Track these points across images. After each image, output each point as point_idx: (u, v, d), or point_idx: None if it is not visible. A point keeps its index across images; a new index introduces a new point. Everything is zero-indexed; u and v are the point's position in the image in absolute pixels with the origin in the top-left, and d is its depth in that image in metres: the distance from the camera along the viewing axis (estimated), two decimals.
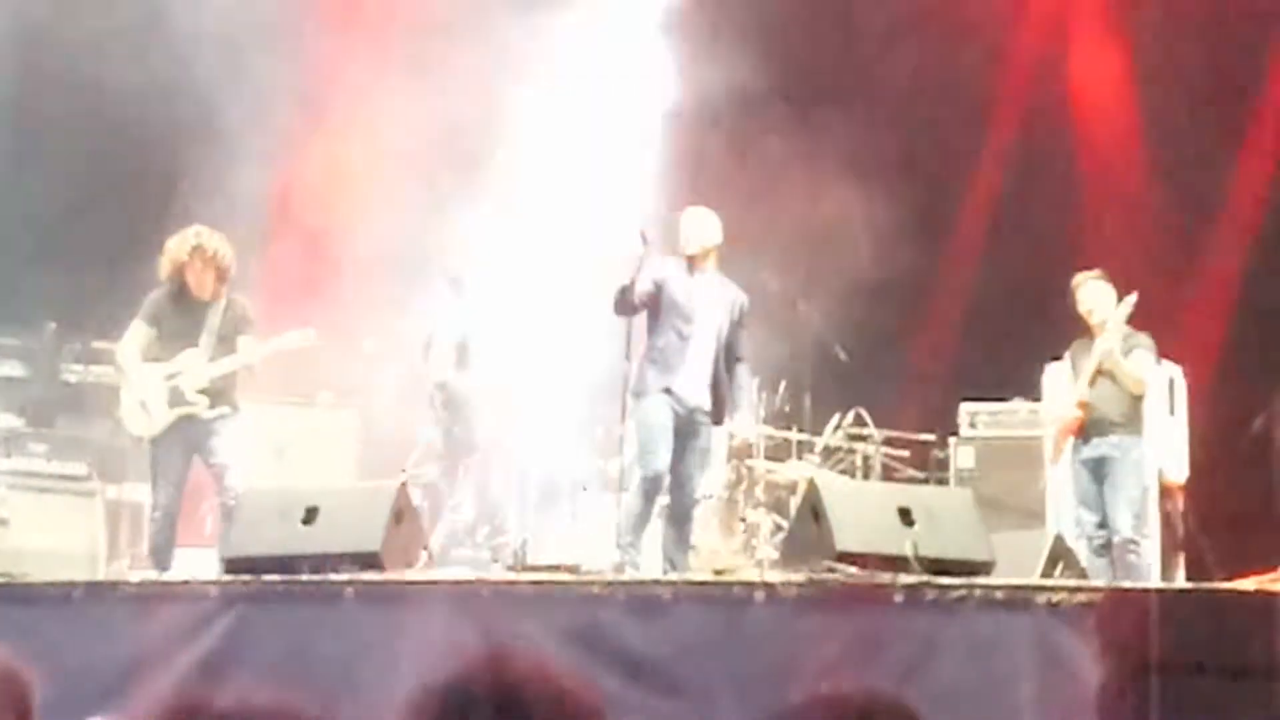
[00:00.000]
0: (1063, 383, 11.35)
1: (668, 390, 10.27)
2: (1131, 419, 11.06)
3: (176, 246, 10.65)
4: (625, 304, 10.27)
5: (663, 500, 10.70)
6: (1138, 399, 11.09)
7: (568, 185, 13.09)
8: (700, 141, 13.18)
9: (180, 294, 10.70)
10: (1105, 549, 10.92)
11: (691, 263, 10.41)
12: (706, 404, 10.35)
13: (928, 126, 14.06)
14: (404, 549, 9.57)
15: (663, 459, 10.23)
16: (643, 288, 10.22)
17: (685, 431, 10.34)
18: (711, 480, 11.27)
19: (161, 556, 10.56)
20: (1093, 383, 11.04)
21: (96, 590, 9.37)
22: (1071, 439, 11.16)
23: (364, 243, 13.17)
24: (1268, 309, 13.31)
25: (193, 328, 10.68)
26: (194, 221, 10.82)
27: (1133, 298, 10.87)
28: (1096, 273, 11.20)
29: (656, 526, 11.32)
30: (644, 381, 10.30)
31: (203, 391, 10.59)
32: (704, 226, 10.45)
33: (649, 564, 10.63)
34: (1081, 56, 14.41)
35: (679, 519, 10.42)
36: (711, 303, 10.39)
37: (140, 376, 10.66)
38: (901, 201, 13.88)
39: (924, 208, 14.03)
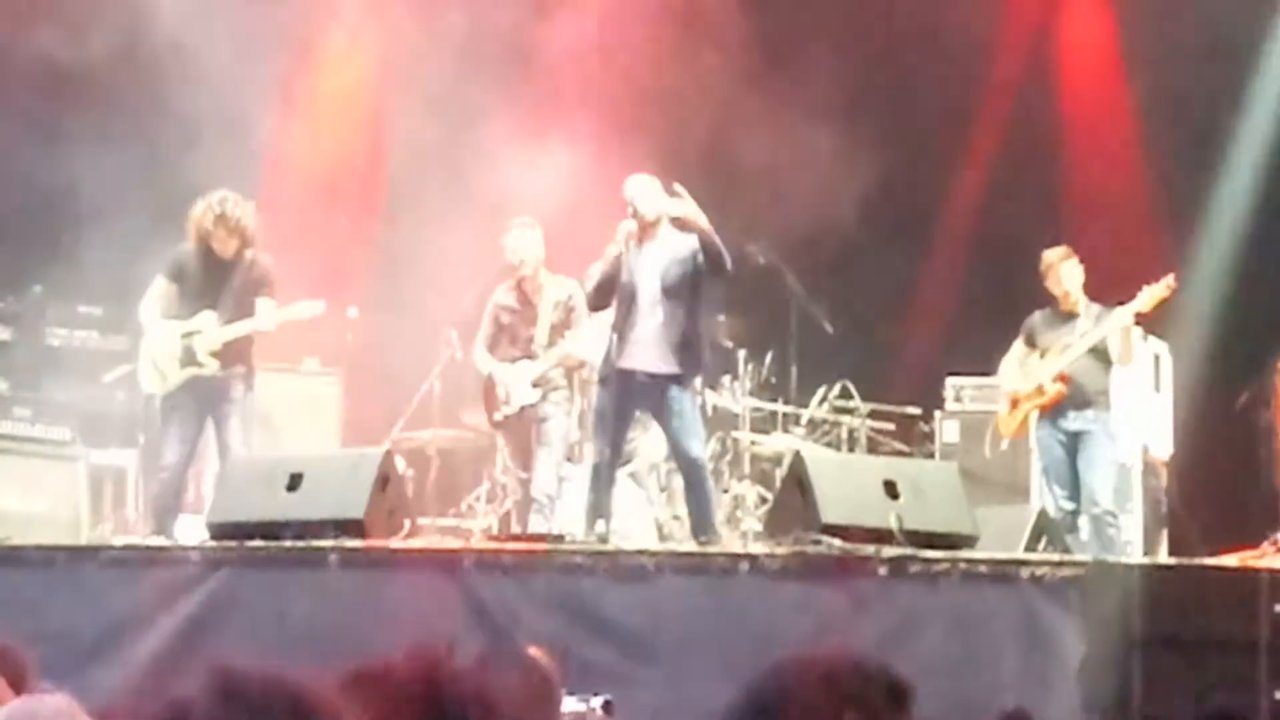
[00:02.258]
0: (1016, 356, 11.32)
1: (619, 370, 10.07)
2: (1105, 394, 11.09)
3: (201, 213, 10.65)
4: (590, 299, 10.29)
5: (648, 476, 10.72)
6: (1108, 376, 11.11)
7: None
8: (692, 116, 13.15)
9: (205, 253, 10.69)
10: (1074, 523, 10.94)
11: (641, 233, 10.16)
12: (667, 368, 10.14)
13: (919, 104, 14.04)
14: (388, 515, 9.57)
15: (602, 449, 10.14)
16: (591, 281, 10.17)
17: (653, 403, 10.26)
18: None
19: (164, 518, 10.54)
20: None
21: (80, 554, 9.38)
22: (1036, 413, 11.16)
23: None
24: (1256, 284, 13.31)
25: (215, 286, 10.67)
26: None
27: (1170, 280, 10.86)
28: (1064, 250, 11.20)
29: (642, 497, 11.35)
30: (603, 366, 10.25)
31: (215, 354, 10.57)
32: (646, 195, 10.17)
33: (636, 535, 10.64)
34: (1072, 29, 14.39)
35: (690, 488, 10.32)
36: (656, 268, 10.14)
37: (157, 333, 10.65)
38: (891, 177, 13.86)
39: (913, 183, 14.02)
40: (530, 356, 10.95)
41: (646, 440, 11.49)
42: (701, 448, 10.33)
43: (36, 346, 12.71)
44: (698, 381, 10.61)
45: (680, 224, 10.12)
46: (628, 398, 10.15)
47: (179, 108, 12.34)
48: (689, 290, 10.13)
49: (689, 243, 10.11)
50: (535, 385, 10.92)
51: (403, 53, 13.21)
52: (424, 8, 13.05)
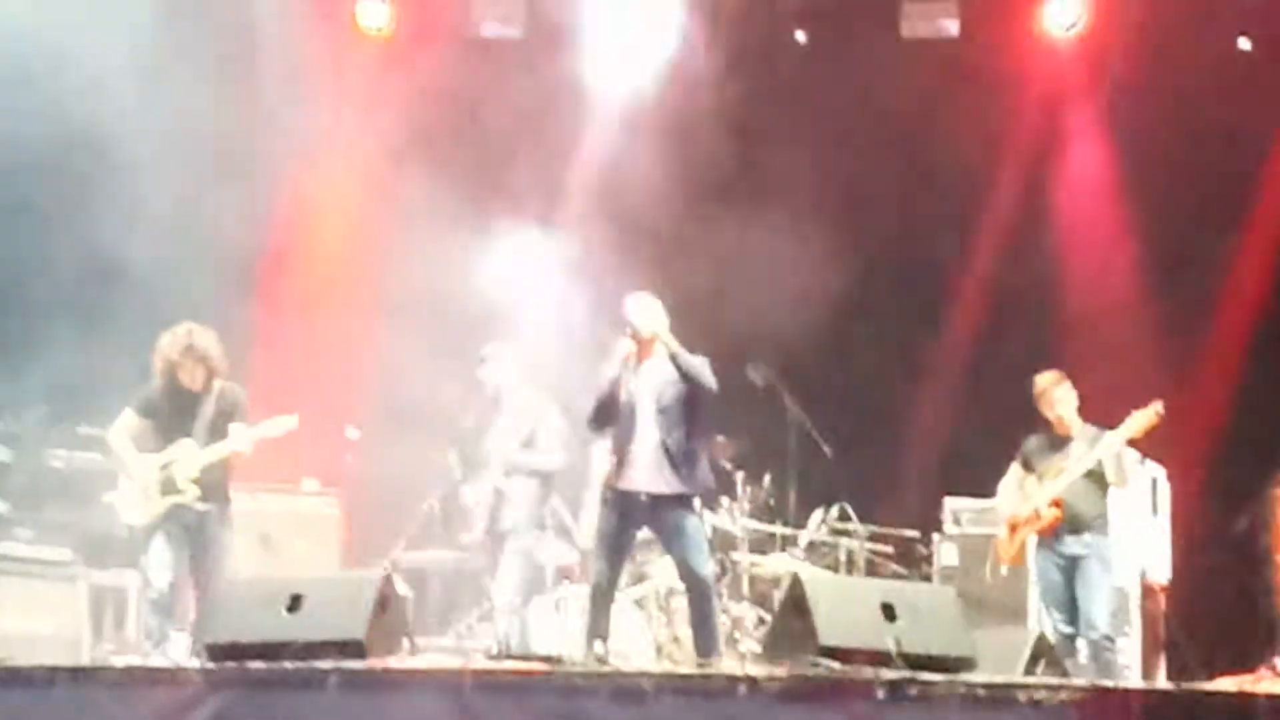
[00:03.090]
0: (1013, 480, 11.37)
1: (620, 491, 10.21)
2: (1102, 519, 11.12)
3: (168, 345, 10.77)
4: (592, 421, 10.36)
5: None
6: (1105, 499, 11.14)
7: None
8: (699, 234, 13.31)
9: (173, 387, 10.81)
10: (1072, 647, 10.94)
11: (639, 352, 10.29)
12: (668, 488, 10.25)
13: (915, 227, 14.17)
14: (388, 637, 9.57)
15: (601, 570, 10.22)
16: (593, 403, 10.28)
17: (656, 524, 10.33)
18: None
19: (157, 643, 10.60)
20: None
21: (80, 675, 9.33)
22: (1034, 537, 11.19)
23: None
24: (1253, 410, 13.38)
25: (187, 418, 10.80)
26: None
27: (1158, 406, 10.92)
28: (1056, 375, 11.26)
29: (641, 618, 11.35)
30: (603, 487, 10.35)
31: (195, 481, 10.66)
32: (644, 314, 10.32)
33: (634, 656, 10.62)
34: (1071, 158, 14.54)
35: (695, 607, 10.35)
36: (652, 387, 10.26)
37: (134, 465, 10.74)
38: (891, 300, 13.99)
39: (914, 306, 14.12)
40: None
41: (660, 564, 11.52)
42: (708, 566, 10.38)
43: (38, 467, 12.77)
44: (698, 501, 10.67)
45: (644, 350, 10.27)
46: (630, 519, 10.23)
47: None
48: (686, 409, 10.22)
49: (681, 358, 10.26)
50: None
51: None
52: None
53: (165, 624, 10.64)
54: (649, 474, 10.19)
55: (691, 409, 10.24)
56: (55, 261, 13.10)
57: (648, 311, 10.30)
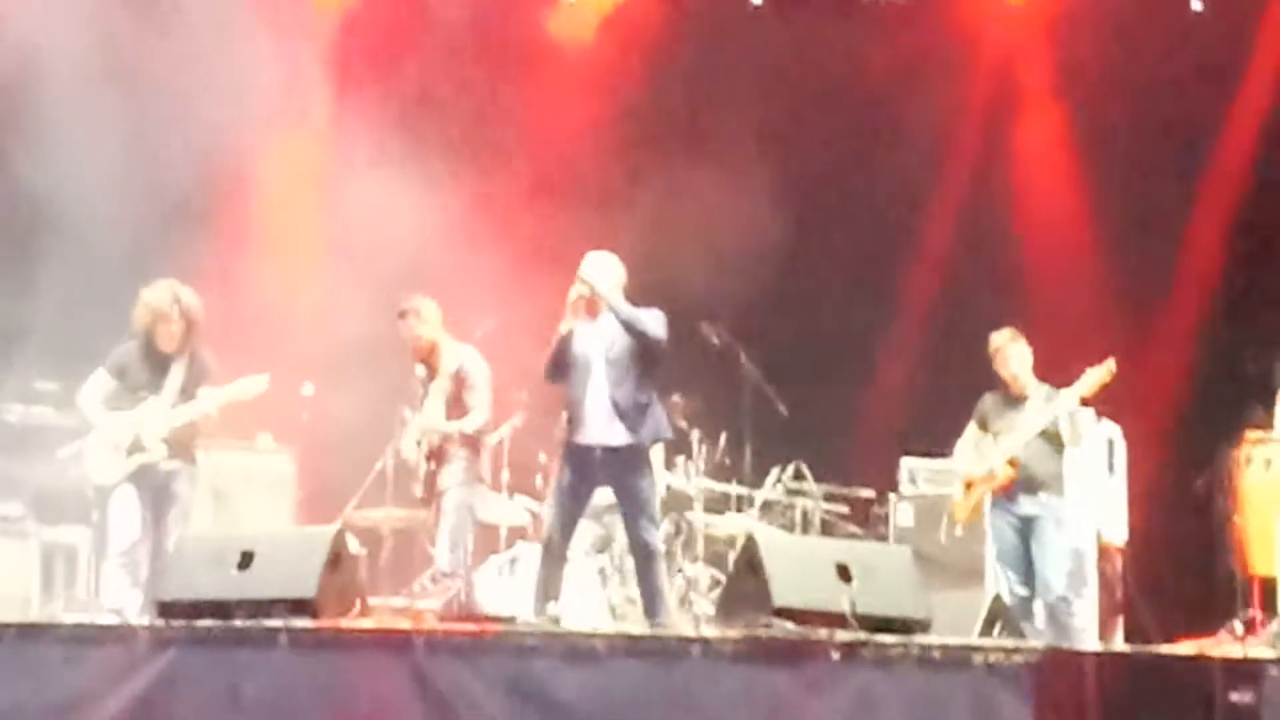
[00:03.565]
0: (970, 440, 11.36)
1: (575, 445, 10.21)
2: (1058, 478, 11.11)
3: (154, 298, 10.69)
4: (548, 373, 10.34)
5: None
6: (1061, 459, 11.13)
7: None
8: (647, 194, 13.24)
9: (148, 347, 10.76)
10: (1029, 609, 10.93)
11: (590, 307, 10.26)
12: (620, 439, 10.21)
13: (872, 188, 14.13)
14: (339, 595, 9.49)
15: (553, 525, 10.25)
16: (549, 359, 10.24)
17: (611, 479, 10.29)
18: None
19: (120, 602, 10.51)
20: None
21: (29, 632, 9.28)
22: (990, 497, 11.18)
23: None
24: (1211, 370, 13.38)
25: (158, 380, 10.75)
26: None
27: (1110, 364, 10.91)
28: (1010, 333, 11.25)
29: (591, 576, 11.31)
30: (560, 442, 10.31)
31: (163, 441, 10.61)
32: (594, 269, 10.29)
33: (587, 617, 10.59)
34: (1026, 121, 14.53)
35: (639, 572, 10.33)
36: (603, 341, 10.25)
37: (103, 425, 10.67)
38: (847, 259, 13.96)
39: (870, 266, 14.10)
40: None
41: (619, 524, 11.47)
42: (654, 532, 10.33)
43: None
44: (657, 455, 10.65)
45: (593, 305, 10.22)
46: (584, 474, 10.21)
47: (141, 183, 12.41)
48: (635, 361, 10.21)
49: (639, 313, 10.22)
50: (429, 458, 10.98)
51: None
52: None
53: (128, 584, 10.55)
54: (600, 427, 10.19)
55: (641, 361, 10.21)
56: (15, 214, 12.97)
57: (598, 268, 10.27)
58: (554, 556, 10.21)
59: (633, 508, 10.20)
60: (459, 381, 11.02)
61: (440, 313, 11.11)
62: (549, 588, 10.08)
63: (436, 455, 11.01)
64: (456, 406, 11.03)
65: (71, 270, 12.11)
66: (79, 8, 12.51)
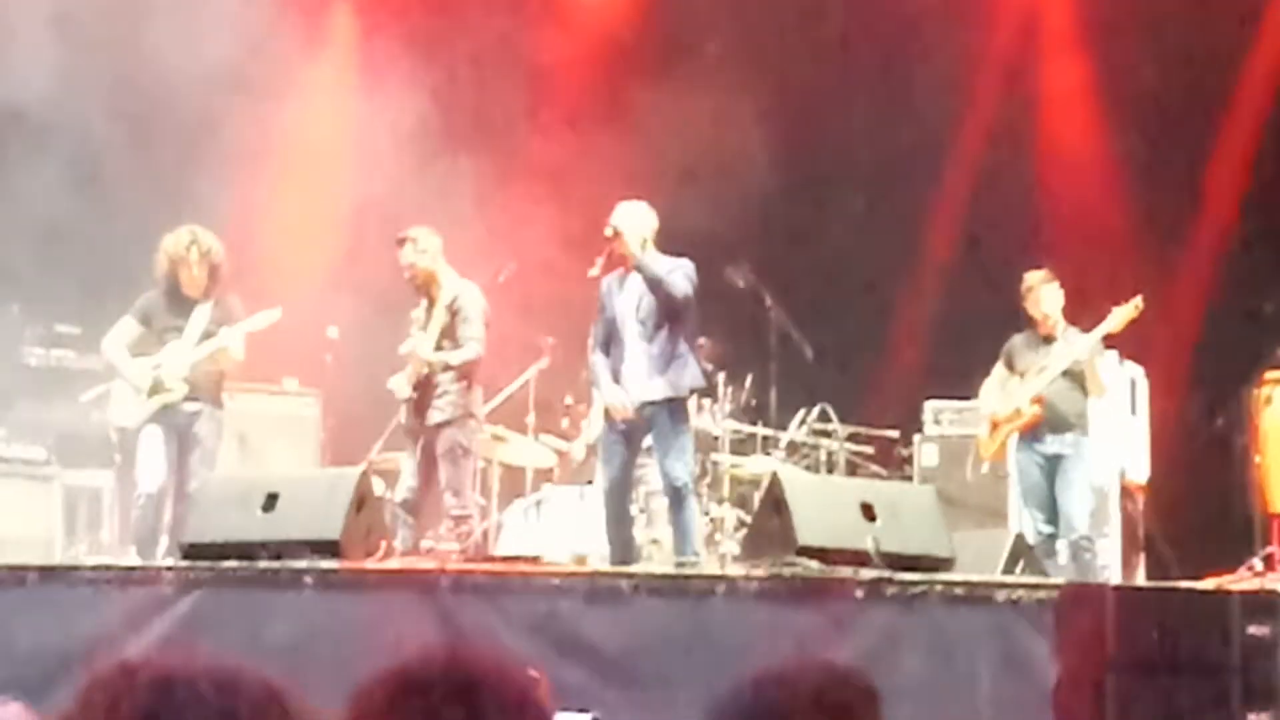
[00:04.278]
0: (996, 379, 11.34)
1: (615, 400, 10.24)
2: (1083, 417, 11.10)
3: (173, 244, 10.69)
4: (598, 346, 10.36)
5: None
6: (1086, 399, 11.11)
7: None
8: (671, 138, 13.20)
9: (173, 293, 10.75)
10: (1052, 547, 10.93)
11: (621, 261, 10.25)
12: (658, 394, 10.23)
13: (897, 129, 14.08)
14: (364, 537, 9.51)
15: (608, 474, 10.29)
16: (596, 327, 10.28)
17: (651, 427, 10.30)
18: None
19: (145, 545, 10.54)
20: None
21: (52, 574, 9.32)
22: (1015, 436, 11.16)
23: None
24: (1232, 310, 13.34)
25: (181, 325, 10.73)
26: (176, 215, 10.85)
27: (1138, 301, 10.89)
28: (1046, 273, 11.23)
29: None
30: (610, 388, 10.32)
31: (184, 380, 10.60)
32: (622, 218, 10.26)
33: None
34: (1050, 64, 14.46)
35: (672, 510, 10.37)
36: (634, 294, 10.25)
37: (128, 371, 10.66)
38: (871, 201, 13.93)
39: (893, 209, 14.07)
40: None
41: (653, 467, 11.46)
42: (685, 471, 10.33)
43: (13, 365, 12.67)
44: (690, 402, 10.65)
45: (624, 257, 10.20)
46: (630, 429, 10.24)
47: (159, 137, 12.40)
48: (665, 313, 10.18)
49: (667, 264, 10.19)
50: (416, 389, 10.84)
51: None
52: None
53: (156, 527, 10.56)
54: (639, 384, 10.21)
55: (671, 315, 10.20)
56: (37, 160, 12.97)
57: (629, 218, 10.23)
58: (615, 505, 10.31)
59: (667, 452, 10.25)
60: (453, 313, 10.82)
61: (439, 242, 10.86)
62: (620, 531, 10.20)
63: (424, 386, 10.80)
64: (450, 339, 10.81)
65: (93, 213, 12.09)
66: None
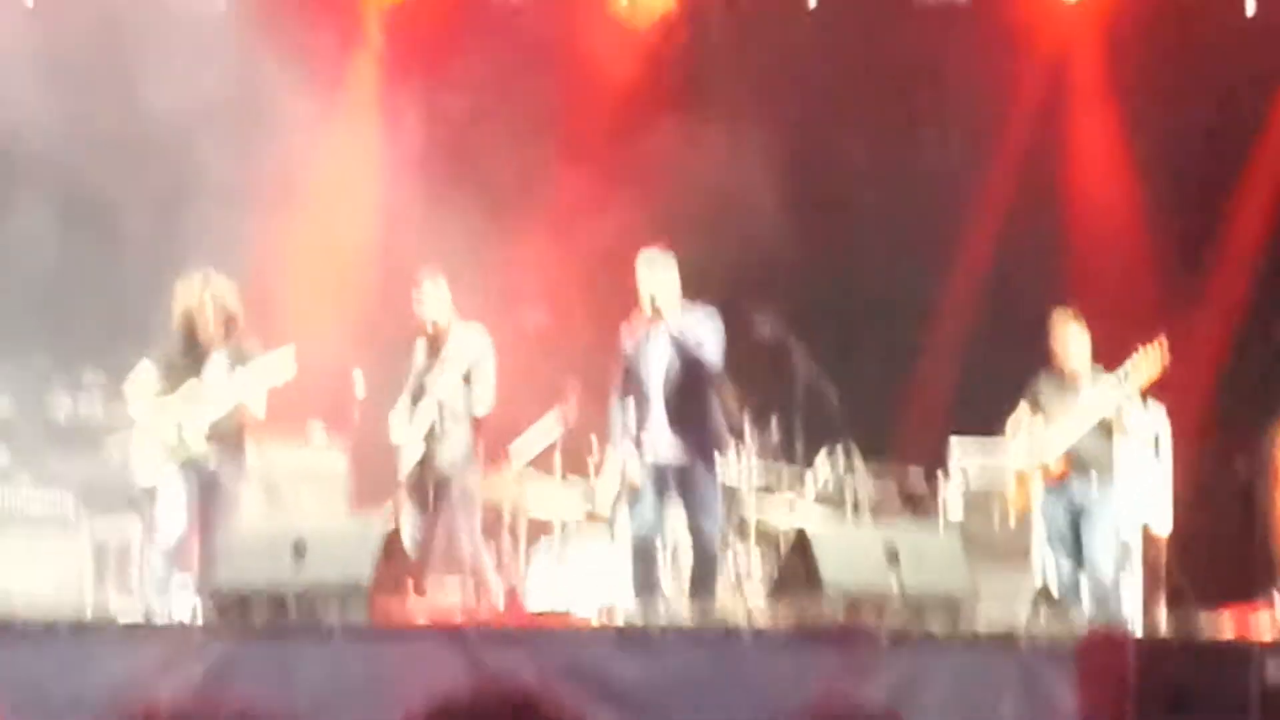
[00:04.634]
0: (1021, 419, 11.34)
1: (639, 458, 10.32)
2: (1109, 463, 11.09)
3: (186, 291, 10.69)
4: (619, 394, 10.44)
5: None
6: (1112, 443, 11.11)
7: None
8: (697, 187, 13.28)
9: (188, 340, 10.73)
10: (1076, 590, 10.93)
11: (652, 313, 10.32)
12: (688, 458, 10.29)
13: (922, 167, 14.12)
14: (393, 584, 9.56)
15: (643, 522, 10.32)
16: (618, 378, 10.35)
17: (673, 485, 10.35)
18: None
19: (167, 593, 10.56)
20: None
21: (82, 626, 9.36)
22: (1041, 479, 11.17)
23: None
24: (1254, 353, 13.37)
25: (199, 372, 10.70)
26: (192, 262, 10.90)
27: (1160, 341, 10.89)
28: (1071, 312, 11.24)
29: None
30: (628, 450, 10.36)
31: (207, 434, 10.60)
32: (650, 274, 10.35)
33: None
34: (1077, 108, 14.51)
35: (697, 561, 10.41)
36: (662, 351, 10.32)
37: (146, 420, 10.68)
38: (895, 239, 13.95)
39: (917, 246, 14.09)
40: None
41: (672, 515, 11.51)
42: (715, 528, 10.42)
43: (40, 416, 12.73)
44: (717, 459, 10.69)
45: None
46: (659, 488, 10.32)
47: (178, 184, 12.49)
48: (694, 376, 10.24)
49: (697, 318, 10.24)
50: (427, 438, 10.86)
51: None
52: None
53: (172, 573, 10.60)
54: (667, 446, 10.28)
55: (702, 375, 10.26)
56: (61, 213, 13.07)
57: (654, 271, 10.27)
58: (645, 557, 10.36)
59: (697, 509, 10.36)
60: (468, 360, 10.89)
61: (448, 291, 10.98)
62: (648, 581, 10.23)
63: (431, 436, 10.87)
64: (463, 385, 10.89)
65: (117, 260, 12.17)
66: None
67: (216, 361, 10.70)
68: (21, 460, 12.44)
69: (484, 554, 10.95)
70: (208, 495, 10.64)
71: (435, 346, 10.97)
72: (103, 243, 12.83)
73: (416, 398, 10.95)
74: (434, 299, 10.93)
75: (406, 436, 10.88)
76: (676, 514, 10.71)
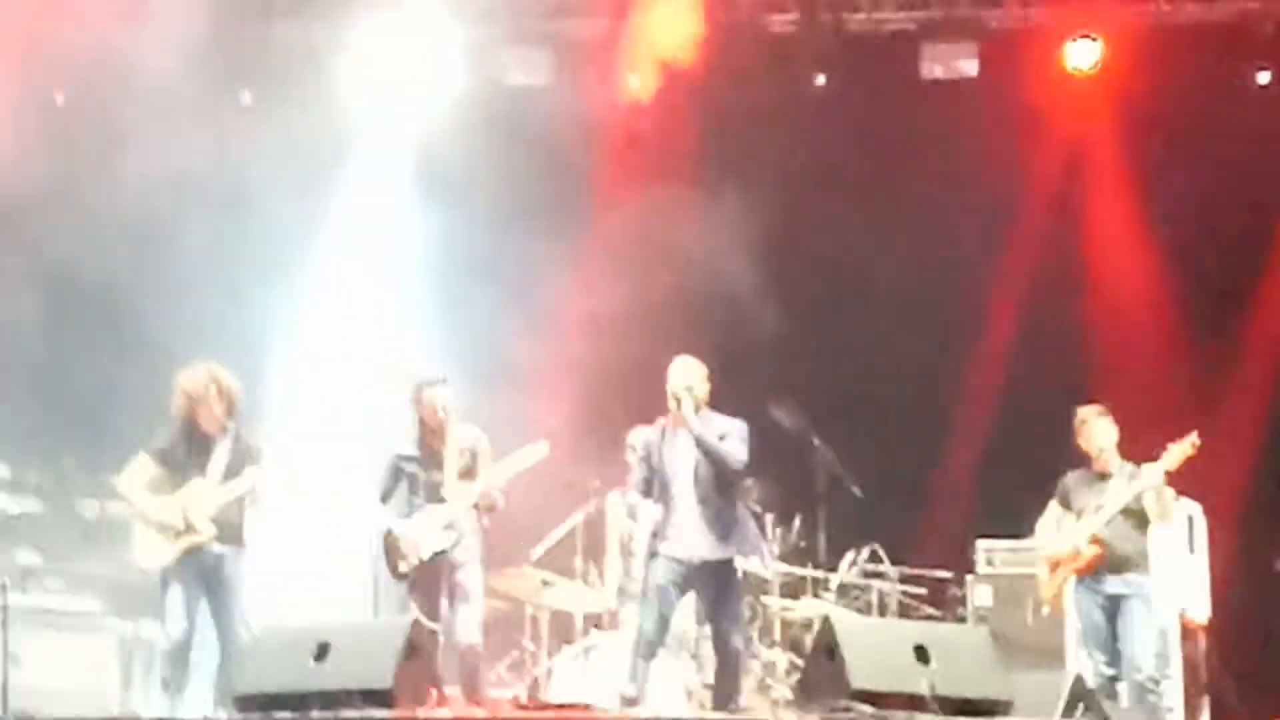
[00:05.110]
0: (1052, 519, 11.27)
1: (666, 556, 10.22)
2: (1143, 556, 11.00)
3: (191, 382, 10.67)
4: (639, 488, 10.44)
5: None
6: (1146, 536, 11.03)
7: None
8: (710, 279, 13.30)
9: (190, 429, 10.68)
10: (1114, 689, 10.81)
11: (674, 415, 10.29)
12: (717, 554, 10.24)
13: (942, 266, 14.12)
14: (415, 685, 9.52)
15: (650, 628, 10.22)
16: (636, 474, 10.31)
17: (699, 585, 10.29)
18: None
19: (174, 690, 10.46)
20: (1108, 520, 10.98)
21: None
22: (1074, 577, 11.07)
23: None
24: None
25: (202, 462, 10.64)
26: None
27: (1194, 438, 10.83)
28: (1098, 408, 11.18)
29: (666, 661, 11.28)
30: (651, 542, 10.32)
31: (212, 520, 10.53)
32: (679, 377, 10.34)
33: (665, 701, 10.55)
34: (1096, 193, 14.50)
35: (721, 667, 10.33)
36: (690, 452, 10.28)
37: (148, 509, 10.63)
38: (916, 338, 13.94)
39: (940, 346, 14.08)
40: (438, 502, 10.87)
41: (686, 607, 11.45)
42: (741, 639, 10.37)
43: (68, 518, 12.75)
44: (740, 564, 10.64)
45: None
46: (678, 582, 10.25)
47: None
48: (724, 477, 10.21)
49: (720, 425, 10.22)
50: (448, 529, 10.85)
51: None
52: None
53: (182, 672, 10.52)
54: (692, 542, 10.22)
55: (728, 476, 10.24)
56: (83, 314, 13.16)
57: (683, 375, 10.29)
58: (648, 650, 10.24)
59: (722, 616, 10.29)
60: (473, 455, 10.86)
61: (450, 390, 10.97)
62: (638, 676, 10.11)
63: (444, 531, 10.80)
64: (469, 480, 10.85)
65: (143, 365, 12.22)
66: None
67: (221, 452, 10.65)
68: (51, 561, 12.45)
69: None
70: (215, 588, 10.56)
71: (427, 441, 10.95)
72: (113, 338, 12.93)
73: (419, 494, 10.94)
74: (446, 395, 10.93)
75: (415, 535, 10.84)
76: (699, 613, 10.62)
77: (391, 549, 10.76)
